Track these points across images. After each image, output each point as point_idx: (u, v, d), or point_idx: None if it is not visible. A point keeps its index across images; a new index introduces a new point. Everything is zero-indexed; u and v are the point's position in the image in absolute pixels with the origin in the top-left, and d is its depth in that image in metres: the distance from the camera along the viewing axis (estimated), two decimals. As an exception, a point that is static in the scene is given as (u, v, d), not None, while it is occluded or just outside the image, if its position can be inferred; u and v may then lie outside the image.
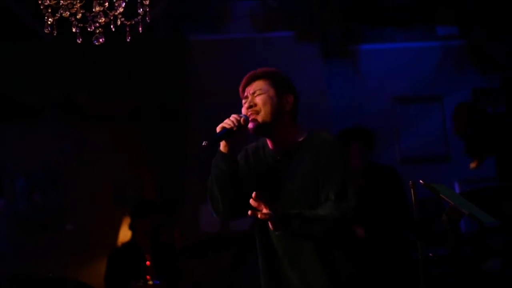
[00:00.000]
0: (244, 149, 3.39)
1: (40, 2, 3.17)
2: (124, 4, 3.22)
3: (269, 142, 3.30)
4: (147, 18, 3.14)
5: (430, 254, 3.17)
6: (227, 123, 3.15)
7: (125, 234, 6.66)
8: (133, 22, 3.24)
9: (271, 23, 7.17)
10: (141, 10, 3.20)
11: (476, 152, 6.27)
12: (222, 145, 3.19)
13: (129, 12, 3.24)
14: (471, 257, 5.32)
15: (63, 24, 3.21)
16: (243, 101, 3.30)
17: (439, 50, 7.71)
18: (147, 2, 3.19)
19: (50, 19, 3.17)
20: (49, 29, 3.18)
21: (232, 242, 6.12)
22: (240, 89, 3.33)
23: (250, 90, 3.28)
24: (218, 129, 3.16)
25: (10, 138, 7.06)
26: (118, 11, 3.21)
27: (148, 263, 5.59)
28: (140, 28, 3.20)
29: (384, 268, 5.10)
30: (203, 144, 3.07)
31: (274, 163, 3.25)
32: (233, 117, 3.17)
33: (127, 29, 3.24)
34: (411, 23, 7.62)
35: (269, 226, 3.14)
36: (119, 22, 3.22)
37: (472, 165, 6.32)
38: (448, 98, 7.71)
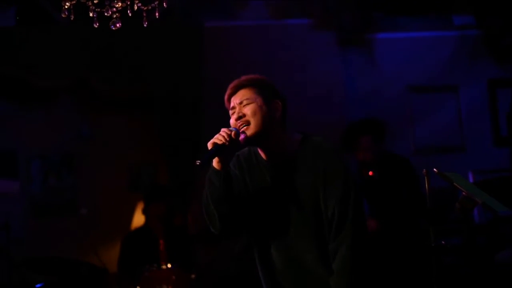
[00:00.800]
0: (235, 155, 3.29)
1: (57, -14, 3.18)
2: (141, -11, 3.24)
3: (260, 152, 3.20)
4: (164, 4, 3.15)
5: (443, 242, 3.17)
6: (218, 138, 3.04)
7: (139, 218, 6.71)
8: (150, 8, 3.25)
9: (287, 10, 7.15)
10: (158, -5, 3.22)
11: None
12: (215, 161, 3.09)
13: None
14: (484, 247, 5.32)
15: (79, 8, 3.23)
16: (230, 112, 3.17)
17: (455, 39, 7.68)
18: (164, -12, 3.20)
19: (67, 4, 3.19)
20: (66, 13, 3.20)
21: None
22: (226, 99, 3.20)
23: (236, 100, 3.15)
24: (209, 145, 3.05)
25: (26, 122, 7.10)
26: (135, -4, 3.23)
27: (161, 247, 5.64)
28: (157, 14, 3.21)
29: (398, 258, 5.11)
30: (196, 163, 2.98)
31: (268, 172, 3.16)
32: (223, 131, 3.06)
33: (144, 15, 3.25)
34: (427, 12, 7.58)
35: (267, 241, 3.15)
36: (135, 8, 3.24)
37: None
38: (463, 88, 7.69)
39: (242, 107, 3.13)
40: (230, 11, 7.13)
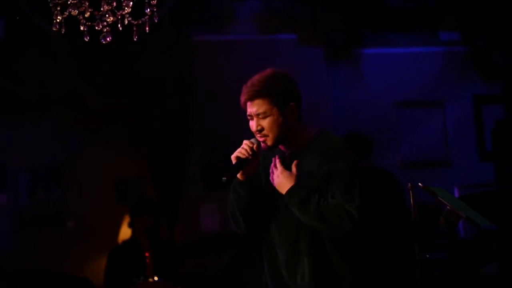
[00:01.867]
0: None
1: (49, 0, 3.21)
2: (131, 4, 3.27)
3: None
4: (154, 18, 3.19)
5: (428, 256, 3.20)
6: (242, 152, 3.15)
7: (126, 231, 6.70)
8: (140, 22, 3.28)
9: (275, 25, 7.20)
10: (148, 10, 3.25)
11: None
12: (239, 174, 3.21)
13: (136, 12, 3.29)
14: (469, 261, 5.35)
15: (69, 22, 3.26)
16: (248, 117, 3.25)
17: (441, 55, 7.75)
18: (154, 2, 3.23)
19: (58, 17, 3.21)
20: (58, 27, 3.22)
21: (232, 242, 6.16)
22: (242, 101, 3.26)
23: (253, 110, 3.21)
24: (233, 159, 3.17)
25: (13, 134, 7.08)
26: (126, 11, 3.26)
27: (148, 260, 5.64)
28: (147, 28, 3.24)
29: (386, 273, 5.13)
30: (223, 179, 3.08)
31: (283, 161, 3.23)
32: (246, 145, 3.17)
33: (134, 29, 3.28)
34: (414, 28, 7.64)
35: (271, 226, 3.21)
36: (126, 22, 3.27)
37: None
38: (449, 104, 7.75)
39: (260, 119, 3.20)
40: (218, 25, 7.17)
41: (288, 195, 3.12)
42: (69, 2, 3.19)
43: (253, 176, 3.25)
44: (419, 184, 3.22)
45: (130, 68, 6.71)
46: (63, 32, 3.23)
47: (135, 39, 3.28)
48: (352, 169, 3.16)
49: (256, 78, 3.26)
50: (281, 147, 3.28)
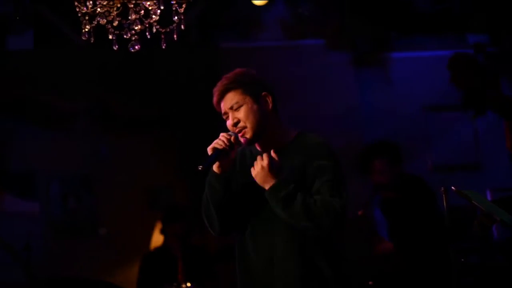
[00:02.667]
0: None
1: (77, 10, 3.24)
2: (159, 12, 3.29)
3: (256, 145, 3.23)
4: (182, 26, 3.20)
5: (462, 260, 3.17)
6: (218, 143, 3.07)
7: (157, 238, 6.72)
8: (168, 30, 3.30)
9: (302, 31, 7.19)
10: (176, 18, 3.27)
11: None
12: (215, 166, 3.12)
13: (163, 20, 3.31)
14: (503, 265, 5.29)
15: (97, 31, 3.29)
16: (224, 116, 3.22)
17: (470, 58, 7.68)
18: (182, 10, 3.25)
19: (87, 27, 3.24)
20: (86, 36, 3.25)
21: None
22: (214, 104, 3.24)
23: (226, 105, 3.18)
24: (209, 150, 3.09)
25: (44, 143, 7.14)
26: (154, 19, 3.28)
27: (180, 267, 5.66)
28: (175, 36, 3.26)
29: (416, 278, 5.10)
30: (198, 168, 3.03)
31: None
32: (223, 136, 3.09)
33: (162, 37, 3.30)
34: (442, 31, 7.59)
35: (247, 225, 3.13)
36: (154, 30, 3.29)
37: None
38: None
39: (234, 112, 3.16)
40: (245, 31, 7.18)
41: (273, 189, 3.00)
42: (97, 12, 3.23)
43: (229, 172, 3.15)
44: (452, 188, 3.19)
45: (157, 75, 6.75)
46: (92, 42, 3.26)
47: (163, 47, 3.30)
48: (337, 165, 3.09)
49: (224, 76, 3.26)
50: (258, 146, 3.20)
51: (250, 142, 3.15)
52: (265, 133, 3.15)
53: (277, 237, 3.08)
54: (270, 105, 3.18)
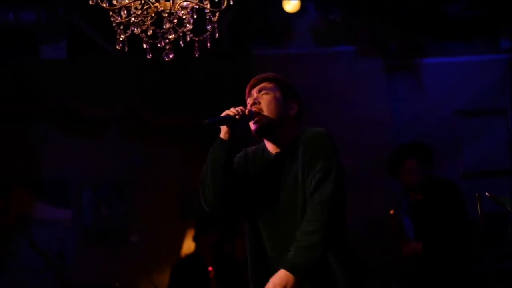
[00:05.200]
0: (243, 149, 3.35)
1: (112, 19, 3.28)
2: (192, 20, 3.33)
3: (268, 144, 3.26)
4: (216, 34, 3.23)
5: (497, 267, 3.15)
6: (232, 111, 3.13)
7: (189, 246, 6.76)
8: (201, 38, 3.33)
9: (333, 37, 7.19)
10: (210, 26, 3.30)
11: None
12: (223, 132, 3.16)
13: (196, 28, 3.34)
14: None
15: (131, 40, 3.33)
16: (248, 100, 3.26)
17: (502, 63, 7.63)
18: (215, 19, 3.28)
19: (122, 36, 3.29)
20: (121, 45, 3.30)
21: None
22: (247, 91, 3.30)
23: (256, 88, 3.25)
24: (222, 114, 3.14)
25: (77, 151, 7.21)
26: (187, 28, 3.32)
27: (211, 274, 5.68)
28: (209, 44, 3.29)
29: (445, 282, 5.07)
30: (204, 121, 3.07)
31: (271, 163, 3.20)
32: (238, 108, 3.15)
33: (196, 45, 3.33)
34: (473, 36, 7.55)
35: (259, 221, 3.16)
36: (188, 38, 3.33)
37: None
38: (512, 111, 7.62)
39: (260, 95, 3.22)
40: (277, 39, 7.20)
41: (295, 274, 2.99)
42: (132, 21, 3.27)
43: (235, 143, 3.17)
44: (486, 193, 3.17)
45: (190, 83, 6.78)
46: (126, 50, 3.30)
47: (196, 55, 3.34)
48: (333, 147, 3.11)
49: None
50: (269, 146, 3.24)
51: (260, 128, 3.19)
52: (278, 131, 3.20)
53: (292, 226, 3.09)
54: (293, 112, 3.25)
